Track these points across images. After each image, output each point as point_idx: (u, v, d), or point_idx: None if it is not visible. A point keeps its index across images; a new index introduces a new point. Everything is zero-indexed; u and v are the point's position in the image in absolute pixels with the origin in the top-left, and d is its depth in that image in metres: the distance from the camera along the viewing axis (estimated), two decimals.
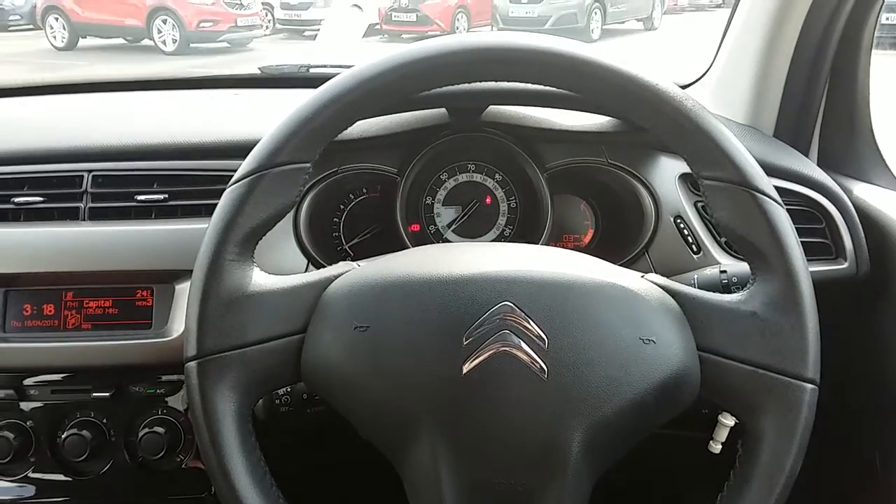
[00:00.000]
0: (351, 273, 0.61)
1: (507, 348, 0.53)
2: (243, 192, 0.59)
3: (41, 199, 0.84)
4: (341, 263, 0.63)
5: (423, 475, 0.55)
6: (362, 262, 0.63)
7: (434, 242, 0.95)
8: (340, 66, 1.28)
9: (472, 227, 0.96)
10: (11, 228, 0.83)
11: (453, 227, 0.96)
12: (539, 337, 0.54)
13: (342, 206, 0.96)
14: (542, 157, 0.91)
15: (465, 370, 0.53)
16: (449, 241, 0.96)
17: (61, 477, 0.83)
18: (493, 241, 0.95)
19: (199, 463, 0.83)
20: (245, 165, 0.60)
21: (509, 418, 0.53)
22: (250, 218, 0.59)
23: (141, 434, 0.81)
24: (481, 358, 0.53)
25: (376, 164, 0.92)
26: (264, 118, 0.93)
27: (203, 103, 1.12)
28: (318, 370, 0.58)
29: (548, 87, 0.61)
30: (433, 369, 0.54)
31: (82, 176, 0.85)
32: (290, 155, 0.60)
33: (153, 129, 0.91)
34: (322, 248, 0.90)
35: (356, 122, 0.63)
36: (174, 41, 8.88)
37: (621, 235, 0.91)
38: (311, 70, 1.19)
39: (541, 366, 0.53)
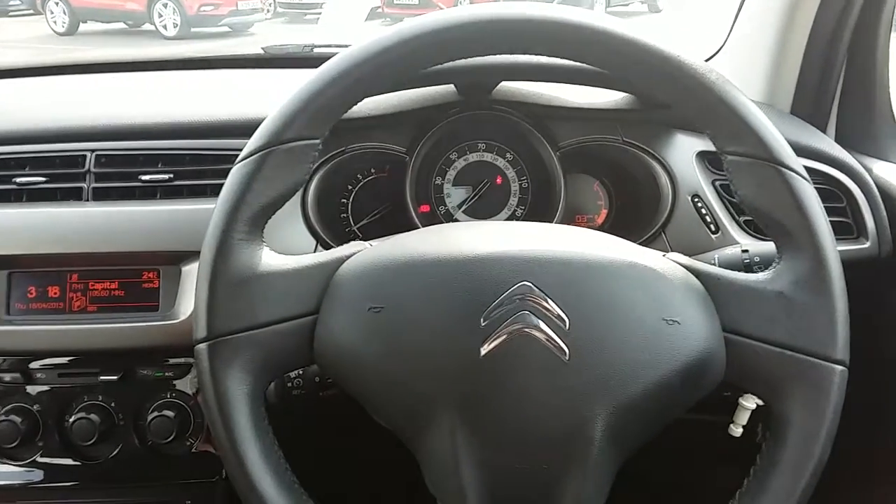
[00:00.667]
0: (363, 253, 0.59)
1: (526, 329, 0.52)
2: (251, 169, 0.57)
3: (43, 179, 0.82)
4: (353, 243, 0.61)
5: (441, 460, 0.53)
6: (374, 242, 0.61)
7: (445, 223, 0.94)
8: (344, 46, 1.26)
9: (482, 208, 0.94)
10: (13, 209, 0.81)
11: (463, 207, 0.94)
12: (559, 317, 0.52)
13: (350, 187, 0.94)
14: (555, 135, 0.89)
15: (483, 352, 0.52)
16: (458, 221, 0.94)
17: (70, 461, 0.82)
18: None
19: (210, 447, 0.82)
20: (252, 142, 0.58)
21: (529, 401, 0.52)
22: (259, 196, 0.57)
23: (150, 418, 0.80)
24: (500, 339, 0.52)
25: (384, 143, 0.90)
26: (269, 98, 0.91)
27: (207, 83, 1.10)
28: (331, 352, 0.56)
29: (561, 61, 0.59)
30: (450, 351, 0.53)
31: (85, 156, 0.83)
32: (298, 131, 0.58)
33: (156, 108, 0.89)
34: (330, 230, 0.88)
35: (365, 97, 0.61)
36: (175, 25, 8.82)
37: (636, 216, 0.89)
38: (315, 50, 1.17)
39: (562, 347, 0.51)
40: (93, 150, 0.83)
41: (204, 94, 1.01)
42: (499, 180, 0.93)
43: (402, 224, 0.89)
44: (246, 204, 0.57)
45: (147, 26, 9.13)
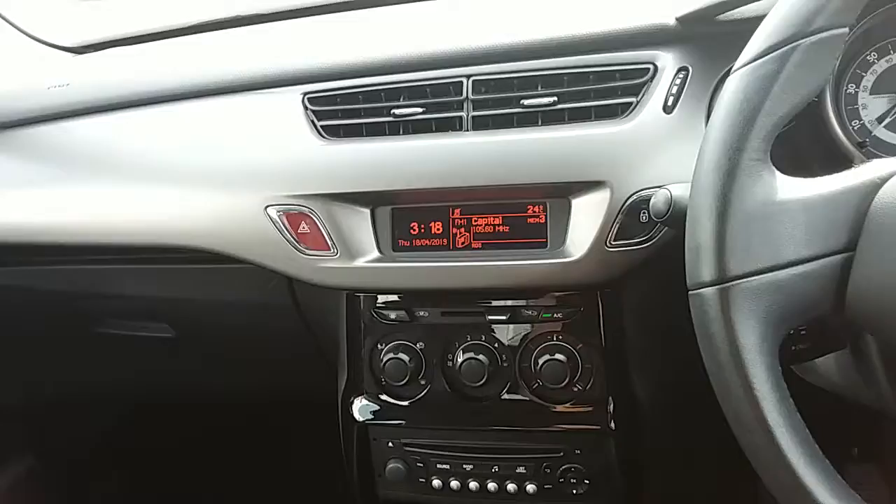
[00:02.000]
0: None
1: None
2: (771, 70, 0.46)
3: (421, 109, 0.78)
4: (881, 161, 0.49)
5: None
6: None
7: (858, 140, 0.77)
8: None
9: None
10: (393, 143, 0.78)
11: (886, 121, 0.76)
12: None
13: None
14: None
15: None
16: (879, 139, 0.77)
17: (454, 400, 0.80)
18: None
19: (593, 396, 0.76)
20: (769, 35, 0.47)
21: None
22: (780, 103, 0.47)
23: (541, 362, 0.75)
24: None
25: None
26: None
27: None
28: (881, 299, 0.45)
29: None
30: None
31: (461, 82, 0.78)
32: (830, 17, 0.46)
33: (525, 26, 0.81)
34: None
35: None
36: None
37: None
38: None
39: None
40: (469, 76, 0.78)
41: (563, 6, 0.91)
42: None
43: (810, 141, 0.74)
44: (764, 114, 0.47)
45: None
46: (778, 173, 0.48)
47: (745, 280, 0.46)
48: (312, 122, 0.80)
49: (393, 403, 0.84)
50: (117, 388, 1.17)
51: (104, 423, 1.28)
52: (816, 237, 0.46)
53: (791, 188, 0.48)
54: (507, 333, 0.78)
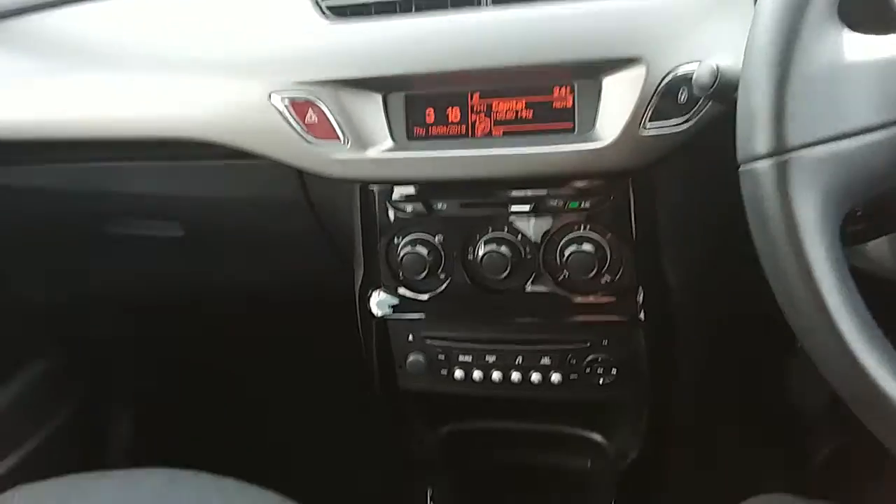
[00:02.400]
0: None
1: None
2: None
3: None
4: None
5: None
6: None
7: None
8: None
9: None
10: (404, 21, 0.72)
11: None
12: None
13: None
14: None
15: None
16: None
17: (475, 293, 0.78)
18: None
19: (624, 284, 0.74)
20: None
21: None
22: None
23: (567, 253, 0.72)
24: None
25: None
26: None
27: None
28: None
29: None
30: None
31: None
32: None
33: None
34: None
35: None
36: None
37: None
38: None
39: None
40: None
41: None
42: None
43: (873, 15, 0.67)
44: None
45: None
46: (846, 30, 0.43)
47: (805, 150, 0.42)
48: (316, 0, 0.74)
49: (412, 298, 0.82)
50: (128, 288, 1.16)
51: (119, 324, 1.29)
52: (888, 102, 0.42)
53: (860, 48, 0.42)
54: (530, 224, 0.75)
